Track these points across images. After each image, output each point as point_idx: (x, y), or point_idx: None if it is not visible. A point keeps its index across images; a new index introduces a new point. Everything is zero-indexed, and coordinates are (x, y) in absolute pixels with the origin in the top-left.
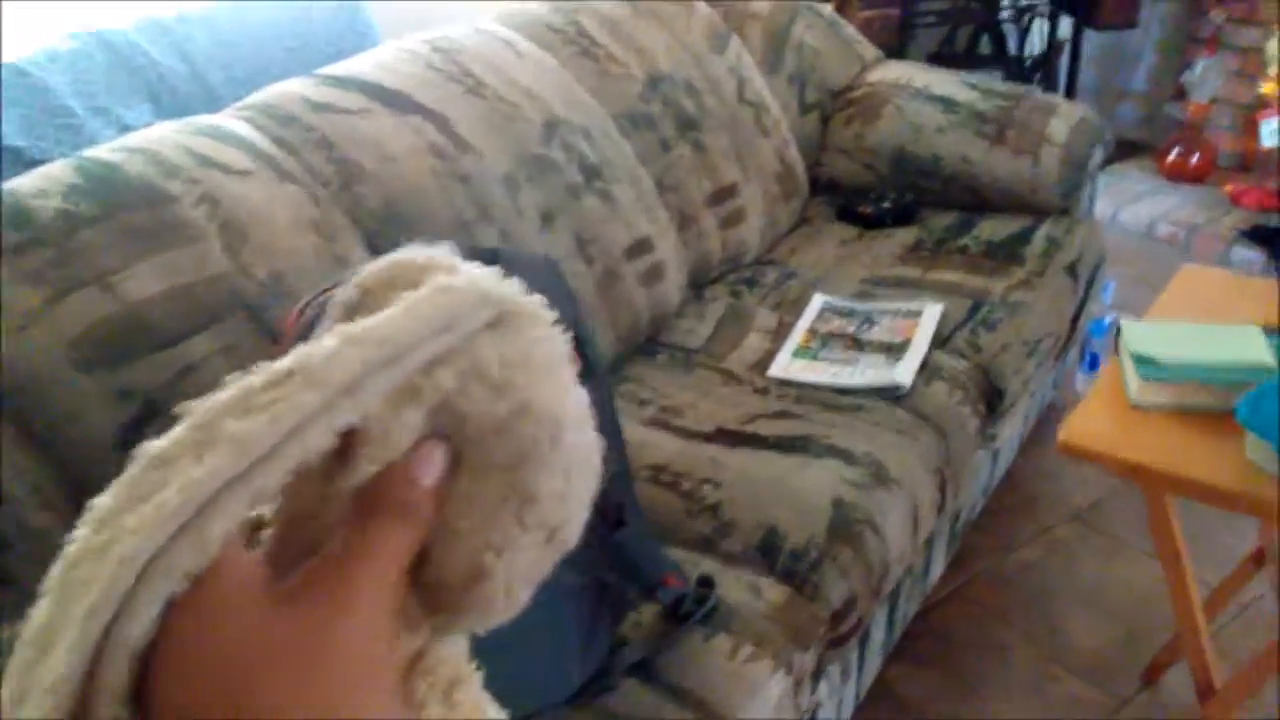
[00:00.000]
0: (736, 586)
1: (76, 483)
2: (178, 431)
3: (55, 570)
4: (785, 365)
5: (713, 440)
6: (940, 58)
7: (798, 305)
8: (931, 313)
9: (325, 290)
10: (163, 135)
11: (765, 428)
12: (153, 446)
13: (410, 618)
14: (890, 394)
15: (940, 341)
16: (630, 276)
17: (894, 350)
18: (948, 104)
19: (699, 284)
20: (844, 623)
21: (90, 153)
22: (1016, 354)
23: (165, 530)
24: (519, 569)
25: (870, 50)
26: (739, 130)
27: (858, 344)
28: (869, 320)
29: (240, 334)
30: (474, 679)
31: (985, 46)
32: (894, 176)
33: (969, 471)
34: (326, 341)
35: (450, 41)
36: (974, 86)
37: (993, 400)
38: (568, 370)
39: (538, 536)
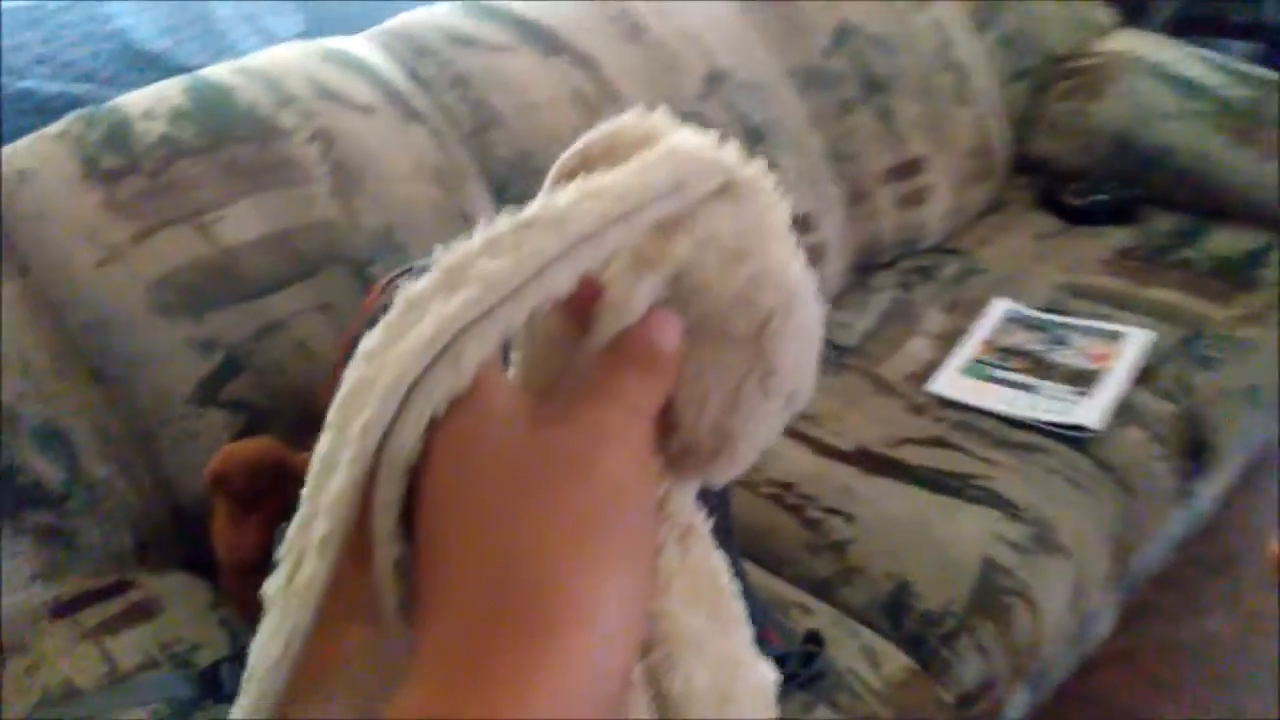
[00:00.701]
0: (851, 648)
1: (144, 436)
2: (430, 276)
3: (332, 407)
4: (950, 381)
5: (851, 461)
6: (1189, 23)
7: (975, 308)
8: (1136, 339)
9: (403, 272)
10: (288, 58)
11: (915, 455)
12: (410, 290)
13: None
14: (1073, 435)
15: (1143, 376)
16: None
17: (1084, 380)
18: (1188, 87)
19: (865, 268)
20: (974, 707)
21: (206, 72)
22: (1235, 403)
23: (422, 359)
24: (759, 435)
25: (1105, 13)
26: (934, 97)
27: (1041, 366)
28: (1059, 338)
29: (338, 290)
30: (704, 529)
31: (1242, 13)
32: (1112, 165)
33: (1156, 535)
34: (565, 194)
35: None
36: (1224, 69)
37: (1198, 455)
38: (793, 240)
39: (776, 404)
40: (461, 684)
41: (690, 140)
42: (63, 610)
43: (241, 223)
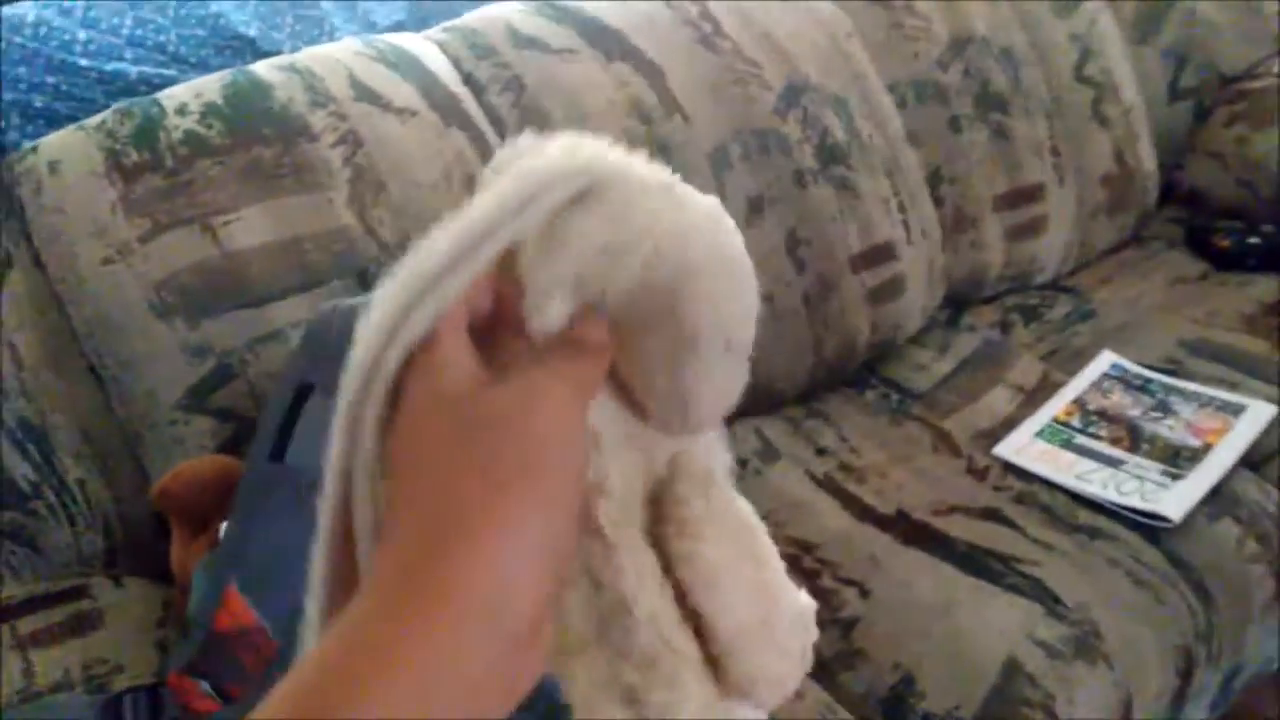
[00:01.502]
0: None
1: (130, 438)
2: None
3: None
4: (1020, 445)
5: (887, 526)
6: None
7: (1077, 359)
8: (1257, 415)
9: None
10: (339, 54)
11: (960, 528)
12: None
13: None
14: (1150, 524)
15: (1254, 461)
16: (853, 290)
17: (1181, 459)
18: None
19: (961, 301)
20: None
21: (256, 67)
22: None
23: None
24: (718, 384)
25: None
26: (1064, 116)
27: (1135, 436)
28: (1164, 405)
29: None
30: (726, 480)
31: None
32: (1274, 205)
33: (1245, 641)
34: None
35: None
36: None
37: None
38: (686, 206)
39: (715, 357)
40: (397, 594)
41: (545, 156)
42: (4, 614)
43: (253, 227)
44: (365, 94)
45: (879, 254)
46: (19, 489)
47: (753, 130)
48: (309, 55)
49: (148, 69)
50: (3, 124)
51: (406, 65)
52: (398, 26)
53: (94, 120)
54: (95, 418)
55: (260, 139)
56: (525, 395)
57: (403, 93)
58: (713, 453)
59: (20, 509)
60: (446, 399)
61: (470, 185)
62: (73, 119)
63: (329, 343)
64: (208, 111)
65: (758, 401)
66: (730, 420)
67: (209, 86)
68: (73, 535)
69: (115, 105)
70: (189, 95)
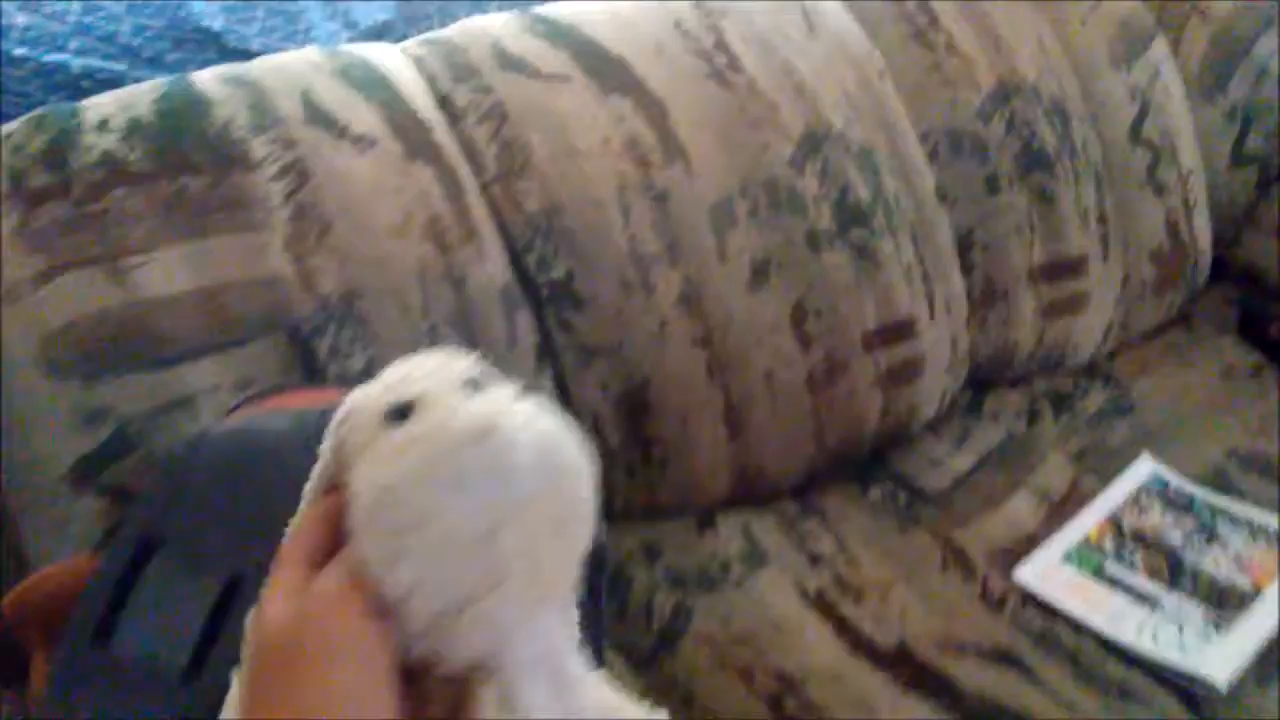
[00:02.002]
0: None
1: (6, 516)
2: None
3: None
4: (1047, 570)
5: (886, 664)
6: None
7: (1113, 463)
8: None
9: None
10: (296, 67)
11: (969, 672)
12: None
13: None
14: (1189, 687)
15: None
16: (864, 372)
17: (1228, 601)
18: None
19: (984, 382)
20: None
21: (196, 77)
22: None
23: None
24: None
25: None
26: (1116, 179)
27: (1176, 569)
28: (1209, 530)
29: (266, 365)
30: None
31: None
32: None
33: None
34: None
35: None
36: None
37: None
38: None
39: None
40: None
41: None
42: None
43: (169, 271)
44: (319, 116)
45: (897, 331)
46: None
47: (764, 182)
48: (264, 65)
49: (93, 62)
50: None
51: (371, 83)
52: (382, 29)
53: (7, 129)
54: None
55: (189, 166)
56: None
57: (363, 117)
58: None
59: None
60: (265, 633)
61: (437, 233)
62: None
63: (190, 484)
64: (132, 129)
65: (748, 492)
66: (714, 514)
67: (140, 98)
68: None
69: (34, 111)
70: (115, 107)
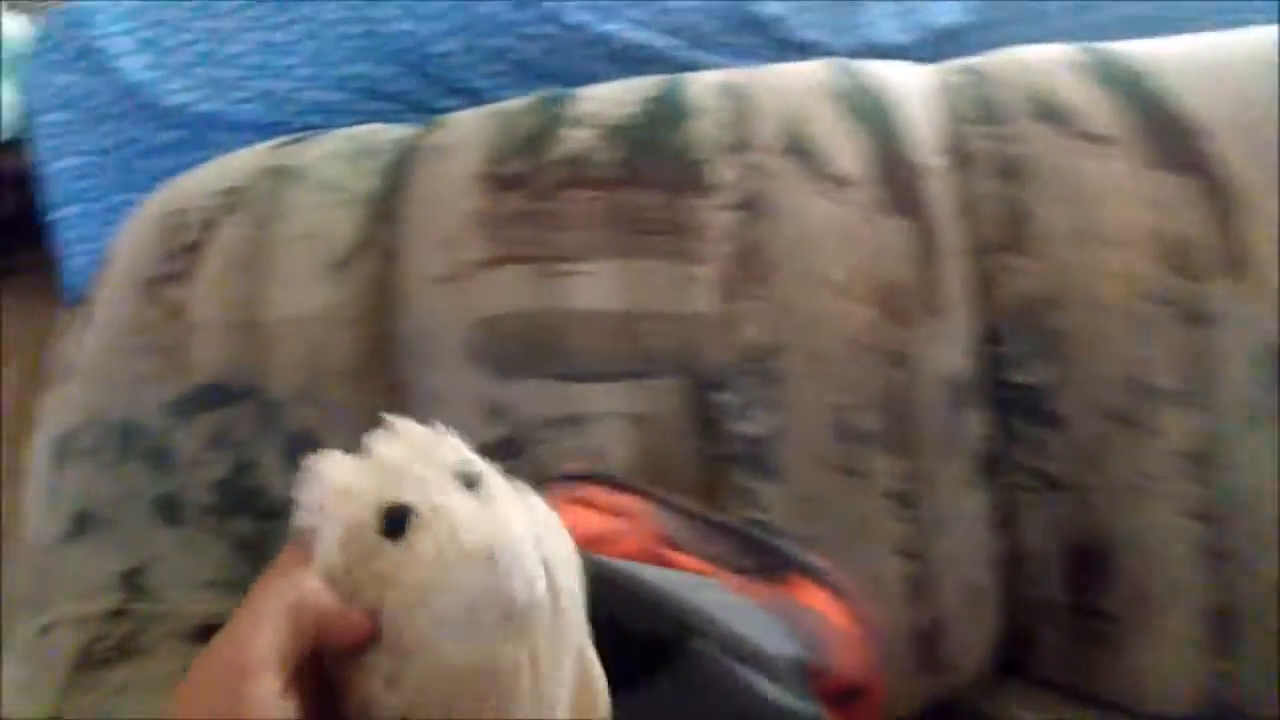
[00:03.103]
0: None
1: None
2: None
3: None
4: None
5: None
6: None
7: None
8: None
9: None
10: (799, 81)
11: None
12: None
13: None
14: None
15: None
16: None
17: None
18: None
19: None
20: None
21: (695, 80)
22: None
23: None
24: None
25: None
26: None
27: None
28: None
29: (664, 406)
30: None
31: None
32: None
33: None
34: None
35: None
36: None
37: None
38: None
39: None
40: None
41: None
42: None
43: (598, 286)
44: (799, 146)
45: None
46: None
47: None
48: (762, 80)
49: (643, 35)
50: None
51: (868, 112)
52: (945, 35)
53: (510, 106)
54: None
55: (647, 179)
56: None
57: (845, 152)
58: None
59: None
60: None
61: (885, 297)
62: (550, 78)
63: None
64: (612, 130)
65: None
66: None
67: (632, 96)
68: None
69: (537, 93)
70: (604, 103)
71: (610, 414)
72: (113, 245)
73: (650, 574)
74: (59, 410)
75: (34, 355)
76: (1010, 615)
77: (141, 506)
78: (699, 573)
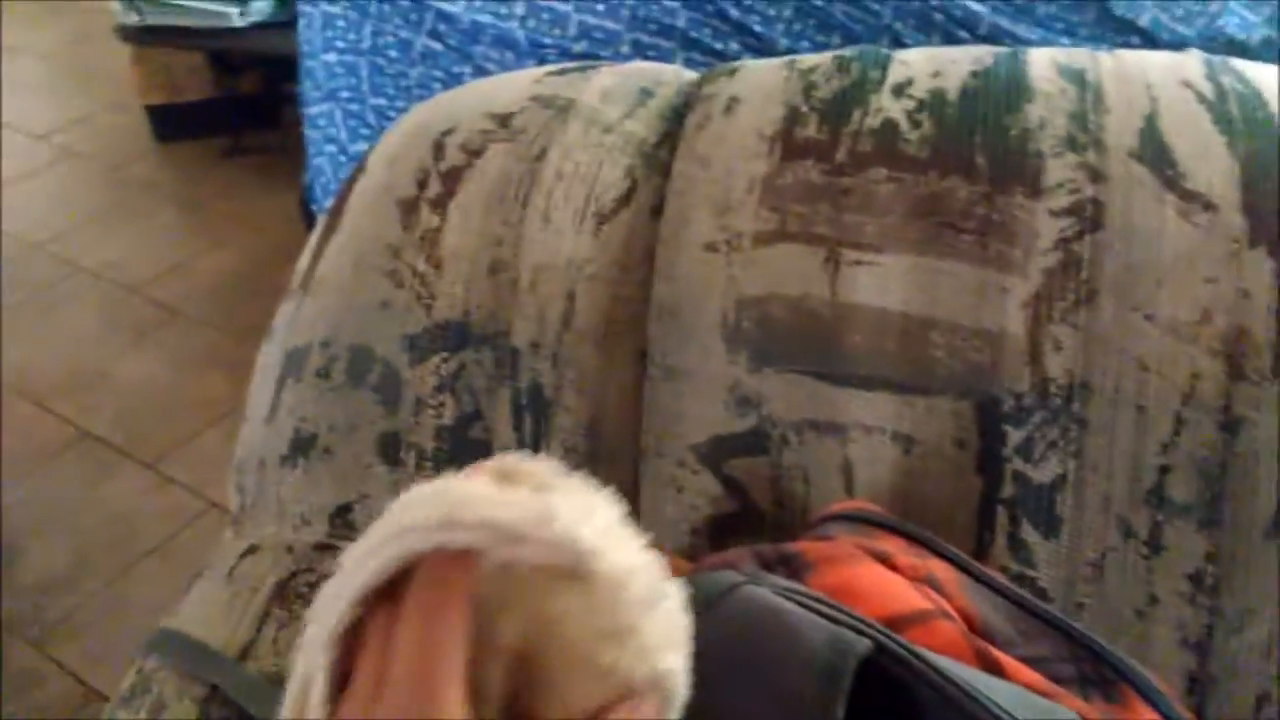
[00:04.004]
0: None
1: (636, 454)
2: None
3: None
4: None
5: None
6: None
7: None
8: None
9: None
10: (1159, 72)
11: None
12: None
13: None
14: None
15: None
16: None
17: None
18: None
19: None
20: None
21: (1035, 56)
22: None
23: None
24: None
25: None
26: None
27: None
28: None
29: (938, 430)
30: None
31: None
32: None
33: None
34: None
35: None
36: None
37: None
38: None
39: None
40: None
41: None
42: None
43: (887, 282)
44: (1153, 152)
45: None
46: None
47: None
48: (1118, 65)
49: (1002, 22)
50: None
51: (1242, 125)
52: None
53: (812, 60)
54: (610, 410)
55: (966, 167)
56: None
57: (1211, 168)
58: None
59: None
60: None
61: (1231, 346)
62: (852, 39)
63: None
64: (931, 101)
65: None
66: None
67: (958, 66)
68: None
69: (849, 49)
70: (926, 69)
71: (875, 428)
72: (370, 155)
73: (995, 689)
74: (294, 322)
75: (266, 236)
76: None
77: (364, 441)
78: (1032, 687)
